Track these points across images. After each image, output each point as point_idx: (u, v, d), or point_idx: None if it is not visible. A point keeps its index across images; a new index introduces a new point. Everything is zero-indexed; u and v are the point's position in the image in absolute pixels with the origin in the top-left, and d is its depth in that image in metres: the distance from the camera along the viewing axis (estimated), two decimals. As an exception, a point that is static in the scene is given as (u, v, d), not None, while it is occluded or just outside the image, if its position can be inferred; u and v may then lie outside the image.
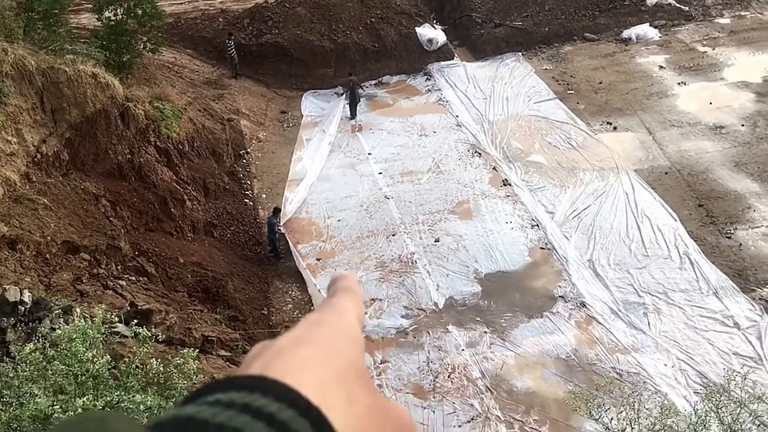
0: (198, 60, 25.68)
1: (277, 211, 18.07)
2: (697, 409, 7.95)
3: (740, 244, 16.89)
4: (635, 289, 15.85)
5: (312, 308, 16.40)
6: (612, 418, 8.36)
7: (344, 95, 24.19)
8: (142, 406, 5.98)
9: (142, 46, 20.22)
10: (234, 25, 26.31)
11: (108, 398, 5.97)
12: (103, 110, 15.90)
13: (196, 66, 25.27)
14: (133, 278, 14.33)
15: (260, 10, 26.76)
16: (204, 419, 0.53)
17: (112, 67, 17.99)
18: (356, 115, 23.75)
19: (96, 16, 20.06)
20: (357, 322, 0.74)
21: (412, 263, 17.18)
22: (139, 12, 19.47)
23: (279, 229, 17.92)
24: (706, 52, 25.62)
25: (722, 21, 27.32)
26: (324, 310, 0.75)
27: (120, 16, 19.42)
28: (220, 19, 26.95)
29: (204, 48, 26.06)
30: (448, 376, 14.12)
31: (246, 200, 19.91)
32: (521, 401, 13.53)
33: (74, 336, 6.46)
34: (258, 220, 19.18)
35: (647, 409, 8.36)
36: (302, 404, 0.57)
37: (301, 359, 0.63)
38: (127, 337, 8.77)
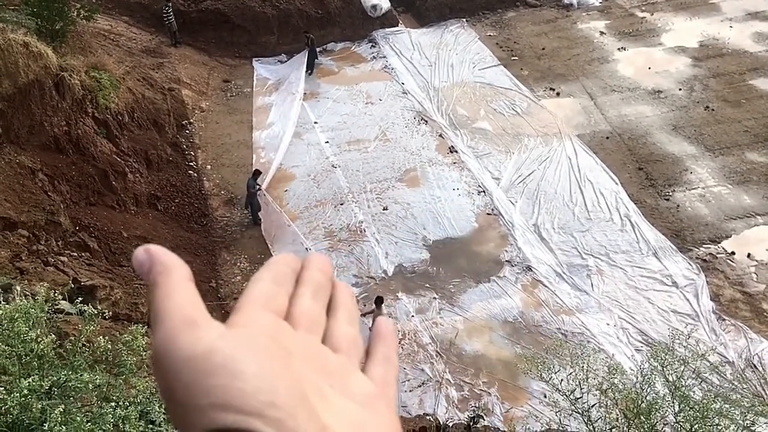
0: (135, 27, 24.80)
1: (257, 173, 17.74)
2: (643, 369, 8.25)
3: (678, 206, 17.46)
4: (579, 252, 16.26)
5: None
6: (562, 380, 8.60)
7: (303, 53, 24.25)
8: (90, 385, 5.87)
9: (75, 13, 19.36)
10: (172, -10, 25.43)
11: (54, 378, 5.85)
12: (37, 80, 15.23)
13: (133, 34, 24.41)
14: (75, 254, 13.94)
15: (199, -25, 25.94)
16: None
17: (44, 36, 17.20)
18: (313, 71, 23.75)
19: (25, -19, 19.08)
20: (394, 400, 0.72)
21: (361, 232, 17.21)
22: (71, -23, 18.64)
23: (258, 189, 17.64)
24: (644, 17, 26.08)
25: (660, -13, 27.78)
26: (373, 404, 0.68)
27: (51, -19, 18.51)
28: (157, -15, 26.03)
29: (141, 15, 25.17)
30: (399, 343, 14.30)
31: (190, 172, 19.51)
32: (470, 364, 13.82)
33: (16, 315, 6.27)
34: (203, 192, 18.85)
35: (594, 370, 8.64)
36: None
37: None
38: (71, 314, 8.57)
